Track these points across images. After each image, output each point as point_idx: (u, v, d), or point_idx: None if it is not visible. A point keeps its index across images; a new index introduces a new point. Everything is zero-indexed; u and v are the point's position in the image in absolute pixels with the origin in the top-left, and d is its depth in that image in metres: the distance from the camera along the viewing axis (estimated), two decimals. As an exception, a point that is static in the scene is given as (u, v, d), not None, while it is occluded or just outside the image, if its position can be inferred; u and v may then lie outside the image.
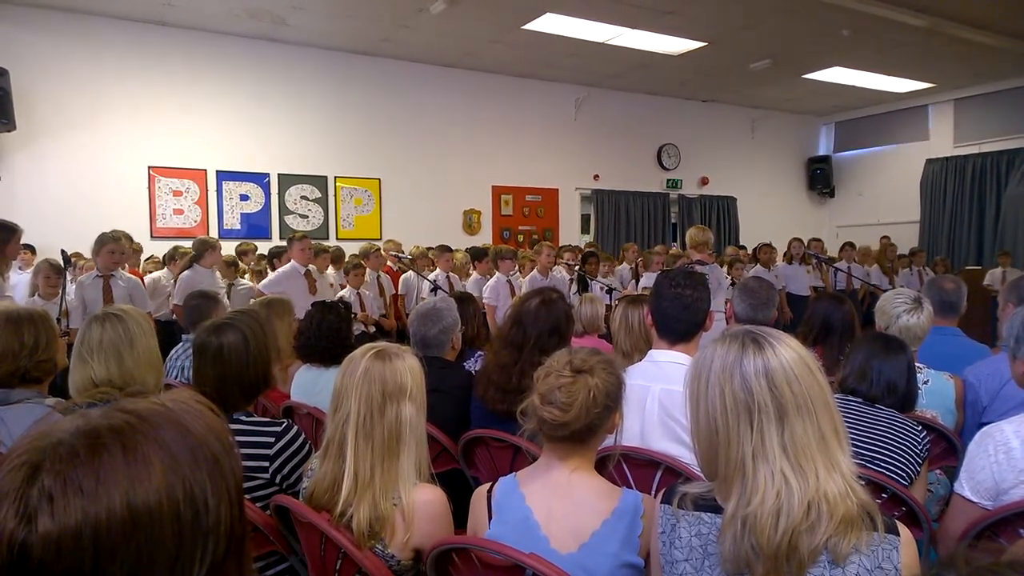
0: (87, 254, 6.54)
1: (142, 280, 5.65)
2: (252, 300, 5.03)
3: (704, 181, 12.22)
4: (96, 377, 2.03)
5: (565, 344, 2.44)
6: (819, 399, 1.17)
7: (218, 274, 5.91)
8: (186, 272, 5.62)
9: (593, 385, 1.45)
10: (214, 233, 7.98)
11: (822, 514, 1.10)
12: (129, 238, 5.94)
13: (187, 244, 7.17)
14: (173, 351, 3.50)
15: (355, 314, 5.22)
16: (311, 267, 5.87)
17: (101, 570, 0.55)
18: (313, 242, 6.21)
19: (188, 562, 0.60)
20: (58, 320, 4.21)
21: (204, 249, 5.67)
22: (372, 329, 6.26)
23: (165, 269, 6.53)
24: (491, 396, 2.41)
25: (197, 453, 0.63)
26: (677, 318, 2.18)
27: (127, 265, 5.64)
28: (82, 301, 4.76)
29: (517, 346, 2.44)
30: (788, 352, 1.19)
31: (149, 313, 4.86)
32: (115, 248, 4.87)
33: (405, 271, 7.09)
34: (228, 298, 5.70)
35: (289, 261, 5.88)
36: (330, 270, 6.63)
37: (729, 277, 7.28)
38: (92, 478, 0.56)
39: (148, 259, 7.19)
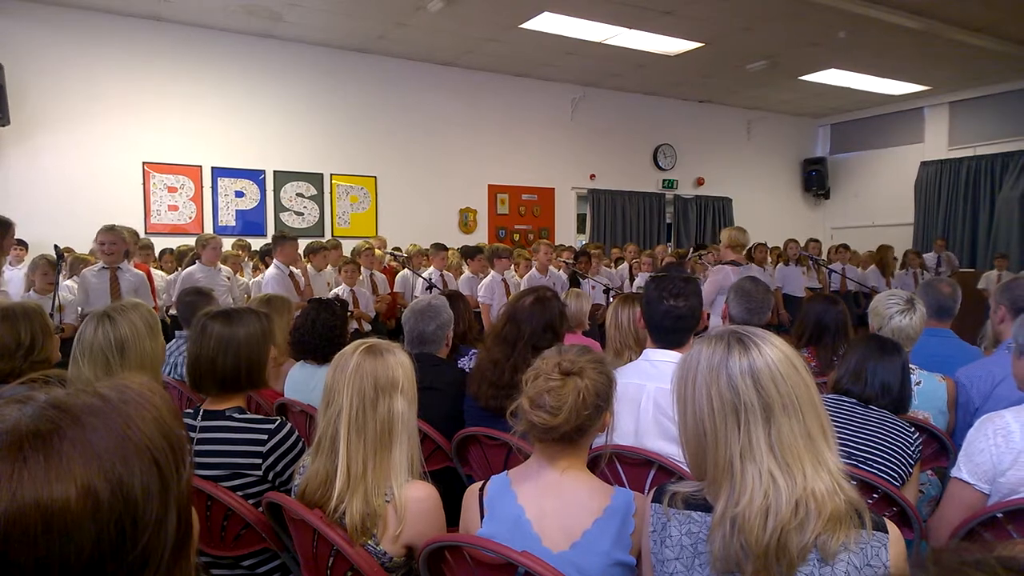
0: (80, 249, 6.51)
1: (149, 275, 5.62)
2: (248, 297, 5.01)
3: (700, 182, 12.25)
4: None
5: (558, 341, 2.45)
6: (805, 397, 1.17)
7: (224, 269, 5.87)
8: (187, 269, 5.59)
9: (583, 387, 1.44)
10: (209, 230, 7.95)
11: (810, 512, 1.11)
12: (135, 233, 5.89)
13: (182, 241, 7.14)
14: (166, 347, 3.48)
15: (351, 312, 5.20)
16: (295, 269, 5.84)
17: (9, 563, 0.55)
18: (310, 241, 6.16)
19: (119, 561, 0.59)
20: (51, 315, 4.19)
21: (204, 245, 5.64)
22: (368, 327, 6.25)
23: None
24: (484, 392, 2.42)
25: (132, 452, 0.61)
26: (671, 328, 2.18)
27: (133, 259, 5.60)
28: (86, 294, 4.74)
29: (511, 343, 2.45)
30: (773, 351, 1.20)
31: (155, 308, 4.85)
32: (104, 239, 4.85)
33: (400, 269, 7.08)
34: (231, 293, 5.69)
35: (279, 260, 5.83)
36: (328, 268, 6.61)
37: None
38: (7, 479, 0.56)
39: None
